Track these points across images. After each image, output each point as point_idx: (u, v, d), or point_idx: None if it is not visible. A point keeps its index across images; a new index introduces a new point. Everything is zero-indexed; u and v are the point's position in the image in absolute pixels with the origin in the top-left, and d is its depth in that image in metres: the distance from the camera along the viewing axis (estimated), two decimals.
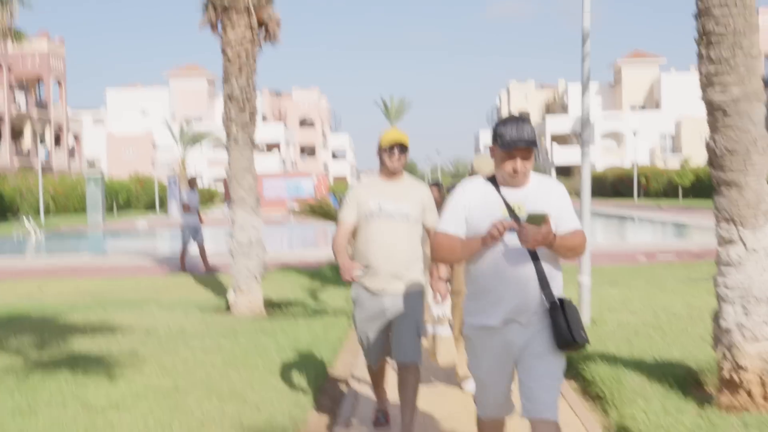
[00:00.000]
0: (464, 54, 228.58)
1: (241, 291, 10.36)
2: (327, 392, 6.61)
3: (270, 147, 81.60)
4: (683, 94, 70.35)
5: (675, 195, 53.15)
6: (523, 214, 3.66)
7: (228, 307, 10.48)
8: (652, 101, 79.71)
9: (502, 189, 3.81)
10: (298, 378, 6.55)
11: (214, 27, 10.89)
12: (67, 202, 47.74)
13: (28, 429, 5.24)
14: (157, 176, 58.01)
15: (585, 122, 8.95)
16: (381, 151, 5.16)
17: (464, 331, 3.96)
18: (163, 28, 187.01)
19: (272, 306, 10.71)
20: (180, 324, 9.16)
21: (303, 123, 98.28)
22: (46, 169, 53.33)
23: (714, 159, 5.42)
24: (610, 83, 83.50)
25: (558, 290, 3.80)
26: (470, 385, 6.38)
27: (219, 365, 6.97)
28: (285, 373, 6.74)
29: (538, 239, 3.56)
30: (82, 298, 12.08)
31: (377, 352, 5.30)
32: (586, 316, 8.76)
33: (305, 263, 16.26)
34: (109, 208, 46.94)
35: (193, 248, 16.64)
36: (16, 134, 58.06)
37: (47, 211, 44.31)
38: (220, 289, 12.58)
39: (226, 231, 11.39)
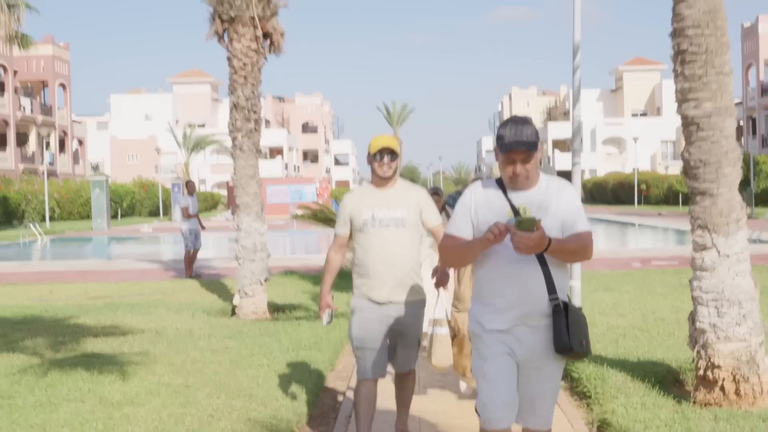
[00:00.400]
0: (467, 60, 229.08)
1: (246, 294, 10.67)
2: (328, 390, 6.98)
3: (273, 152, 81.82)
4: None
5: (676, 201, 53.22)
6: (528, 217, 3.54)
7: (233, 310, 10.79)
8: (653, 107, 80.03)
9: (510, 191, 3.74)
10: (301, 376, 6.90)
11: (220, 38, 11.24)
12: (72, 207, 47.44)
13: (51, 421, 5.59)
14: (160, 181, 58.14)
15: (576, 131, 9.30)
16: (370, 158, 5.05)
17: (471, 333, 3.89)
18: (167, 34, 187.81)
19: (276, 309, 11.05)
20: (188, 326, 9.51)
21: (306, 128, 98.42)
22: (51, 173, 53.50)
23: (689, 170, 5.76)
24: (612, 89, 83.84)
25: (564, 294, 3.76)
26: (464, 386, 6.68)
27: (226, 364, 7.35)
28: (289, 371, 7.11)
29: (529, 245, 3.46)
30: (92, 301, 12.39)
31: (377, 361, 5.04)
32: None
33: (308, 268, 16.57)
34: (113, 214, 46.76)
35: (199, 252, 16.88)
36: (21, 139, 58.21)
37: (52, 216, 44.40)
38: (224, 293, 12.89)
39: (230, 236, 11.70)
